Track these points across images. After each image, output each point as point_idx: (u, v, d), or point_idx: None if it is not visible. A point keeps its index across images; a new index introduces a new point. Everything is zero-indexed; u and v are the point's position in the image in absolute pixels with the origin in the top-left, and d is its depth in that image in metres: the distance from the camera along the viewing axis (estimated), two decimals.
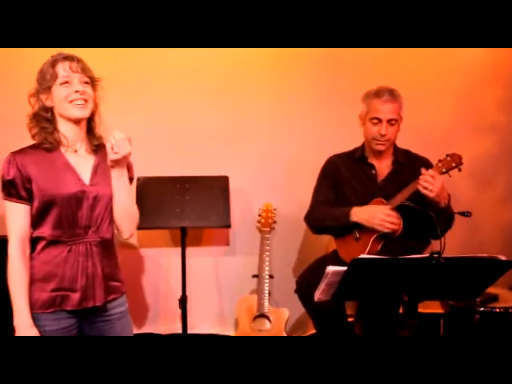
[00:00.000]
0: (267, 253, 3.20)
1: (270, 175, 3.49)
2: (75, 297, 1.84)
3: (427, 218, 2.31)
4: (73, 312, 1.87)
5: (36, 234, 1.85)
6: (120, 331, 1.96)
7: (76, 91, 1.83)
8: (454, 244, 2.71)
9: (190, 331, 3.18)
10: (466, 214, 2.36)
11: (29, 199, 1.82)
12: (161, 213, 3.07)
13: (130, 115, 3.17)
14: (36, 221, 1.85)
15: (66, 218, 1.84)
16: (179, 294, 3.13)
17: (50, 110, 1.87)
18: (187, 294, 3.13)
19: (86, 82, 1.87)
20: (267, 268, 3.18)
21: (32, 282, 1.83)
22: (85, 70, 1.87)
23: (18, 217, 1.82)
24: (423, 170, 2.46)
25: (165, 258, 3.48)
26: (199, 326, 3.46)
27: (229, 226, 3.19)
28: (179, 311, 3.13)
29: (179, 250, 3.15)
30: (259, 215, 3.28)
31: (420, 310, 2.55)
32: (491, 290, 2.85)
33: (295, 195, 3.43)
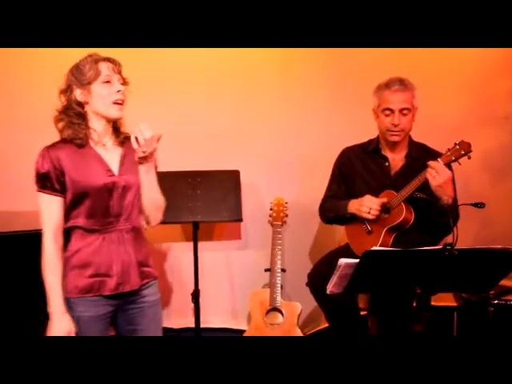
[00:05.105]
0: (279, 246, 3.20)
1: (281, 169, 3.49)
2: (112, 282, 1.92)
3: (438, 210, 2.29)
4: (110, 298, 1.93)
5: (71, 223, 1.92)
6: (151, 320, 2.03)
7: (118, 91, 1.91)
8: (467, 236, 2.69)
9: (202, 325, 3.20)
10: (479, 205, 2.32)
11: (62, 191, 1.89)
12: (172, 207, 3.01)
13: (142, 112, 3.16)
14: (70, 211, 1.91)
15: (98, 207, 1.91)
16: (192, 288, 3.14)
17: (83, 105, 1.92)
18: (200, 288, 3.15)
19: (122, 84, 1.95)
20: (279, 262, 3.18)
21: (70, 269, 1.91)
22: (121, 72, 1.96)
23: (52, 208, 1.89)
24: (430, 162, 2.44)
25: (177, 252, 3.50)
26: (212, 320, 3.48)
27: (240, 220, 3.20)
28: (192, 305, 3.14)
29: (191, 244, 3.16)
30: (271, 209, 3.27)
31: (433, 302, 2.54)
32: (505, 282, 2.83)
33: (307, 189, 3.42)
